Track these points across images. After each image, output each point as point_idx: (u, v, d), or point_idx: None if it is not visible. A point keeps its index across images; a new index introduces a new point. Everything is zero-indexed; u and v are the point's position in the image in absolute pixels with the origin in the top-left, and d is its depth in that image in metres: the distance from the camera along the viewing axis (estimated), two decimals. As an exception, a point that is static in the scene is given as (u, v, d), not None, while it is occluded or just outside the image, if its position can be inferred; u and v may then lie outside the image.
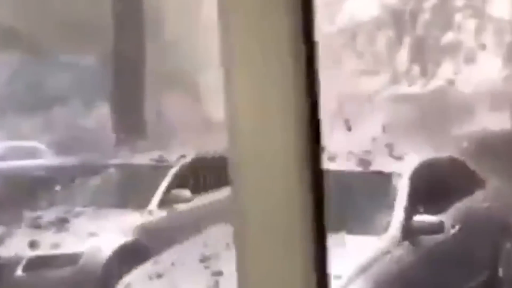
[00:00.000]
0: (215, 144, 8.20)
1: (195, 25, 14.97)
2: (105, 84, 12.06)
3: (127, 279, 4.58)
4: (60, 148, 12.69)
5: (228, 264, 4.18)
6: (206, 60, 15.27)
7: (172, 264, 4.55)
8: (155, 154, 7.39)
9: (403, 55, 16.31)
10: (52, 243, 5.73)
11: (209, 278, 4.09)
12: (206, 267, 4.24)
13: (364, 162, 5.26)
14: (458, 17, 15.33)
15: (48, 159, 12.37)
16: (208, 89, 15.98)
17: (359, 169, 5.21)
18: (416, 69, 15.89)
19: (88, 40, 13.31)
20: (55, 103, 14.47)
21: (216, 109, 16.40)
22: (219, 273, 4.08)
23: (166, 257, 4.79)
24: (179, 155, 7.32)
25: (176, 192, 6.67)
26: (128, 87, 11.51)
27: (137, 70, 11.66)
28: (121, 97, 11.58)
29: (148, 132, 11.63)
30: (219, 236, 4.87)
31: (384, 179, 5.09)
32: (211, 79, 16.09)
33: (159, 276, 4.38)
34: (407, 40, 16.45)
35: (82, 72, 14.30)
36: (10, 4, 13.31)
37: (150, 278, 4.43)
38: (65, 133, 13.36)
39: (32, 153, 12.45)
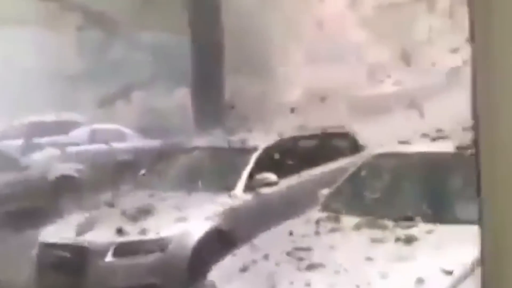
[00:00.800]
0: (293, 127, 8.02)
1: (272, 9, 14.73)
2: (186, 65, 12.05)
3: (213, 271, 4.36)
4: (143, 131, 12.85)
5: (323, 256, 3.96)
6: (282, 43, 15.02)
7: (258, 257, 4.25)
8: (237, 137, 7.26)
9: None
10: (140, 229, 5.70)
11: (302, 273, 3.83)
12: (299, 259, 3.98)
13: None
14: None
15: (132, 142, 12.55)
16: (284, 73, 15.74)
17: None
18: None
19: (168, 20, 13.34)
20: (137, 84, 14.66)
21: (292, 93, 16.13)
22: (313, 266, 3.83)
23: (251, 248, 4.55)
24: (262, 138, 7.16)
25: (261, 175, 6.51)
26: (208, 69, 11.46)
27: (216, 52, 11.57)
28: (201, 80, 11.56)
29: (227, 115, 11.55)
30: (310, 223, 4.64)
31: None
32: (287, 63, 15.84)
33: (244, 269, 4.15)
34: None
35: (162, 53, 14.40)
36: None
37: (233, 272, 4.19)
38: (147, 115, 13.52)
39: (116, 136, 12.67)
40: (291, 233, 4.54)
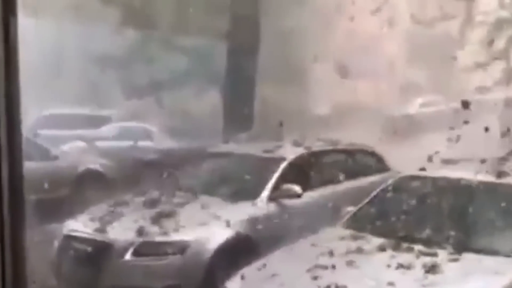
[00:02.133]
0: (322, 140, 7.94)
1: (310, 15, 14.68)
2: (220, 69, 12.09)
3: (231, 281, 4.30)
4: (171, 132, 12.89)
5: (343, 276, 3.87)
6: (319, 51, 14.92)
7: (277, 271, 4.18)
8: (265, 146, 7.23)
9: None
10: (161, 230, 5.71)
11: None
12: (318, 278, 3.90)
13: None
14: None
15: (158, 143, 12.60)
16: (317, 82, 15.63)
17: None
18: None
19: (204, 23, 13.39)
20: (168, 84, 14.72)
21: (323, 105, 16.05)
22: (332, 287, 3.74)
23: (271, 260, 4.47)
24: (290, 149, 7.12)
25: (286, 186, 6.45)
26: (241, 75, 11.49)
27: (250, 58, 11.60)
28: (234, 85, 11.59)
29: (256, 123, 11.53)
30: (333, 240, 4.56)
31: None
32: (321, 72, 15.73)
33: (262, 282, 4.06)
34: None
35: (196, 56, 14.45)
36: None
37: (250, 284, 4.09)
38: (176, 117, 13.55)
39: (144, 135, 12.74)
40: (312, 249, 4.47)
